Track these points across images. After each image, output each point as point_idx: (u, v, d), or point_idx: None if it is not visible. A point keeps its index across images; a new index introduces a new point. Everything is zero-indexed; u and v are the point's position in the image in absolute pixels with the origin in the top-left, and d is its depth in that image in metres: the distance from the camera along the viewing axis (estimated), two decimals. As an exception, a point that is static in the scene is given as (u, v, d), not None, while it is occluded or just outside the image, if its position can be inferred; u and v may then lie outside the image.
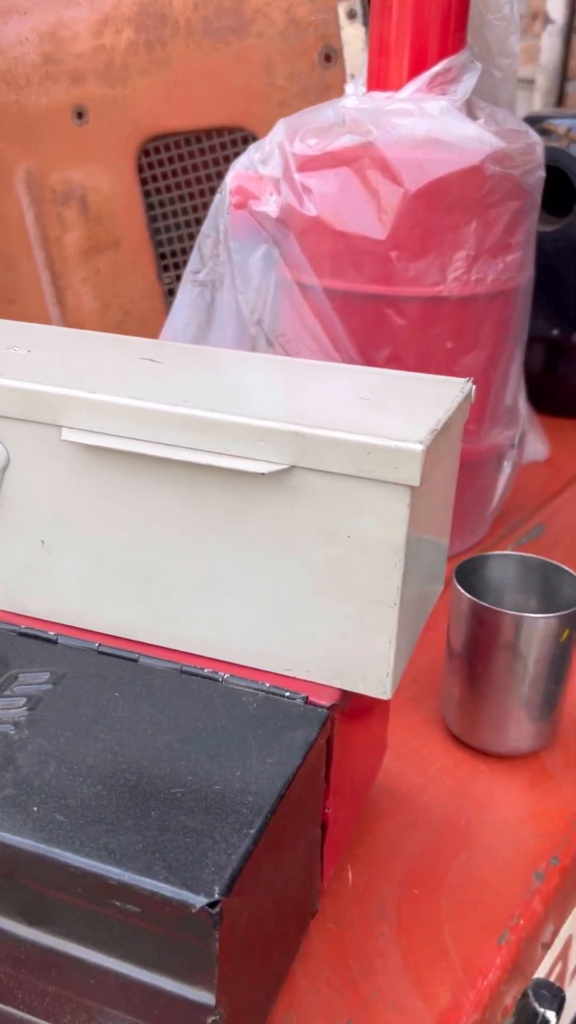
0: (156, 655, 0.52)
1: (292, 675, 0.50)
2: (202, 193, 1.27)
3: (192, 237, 1.08)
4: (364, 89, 0.83)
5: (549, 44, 2.49)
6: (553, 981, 0.62)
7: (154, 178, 1.28)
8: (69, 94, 1.28)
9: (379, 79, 0.81)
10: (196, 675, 0.50)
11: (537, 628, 0.63)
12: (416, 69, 0.79)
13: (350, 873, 0.58)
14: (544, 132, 1.16)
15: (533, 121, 1.18)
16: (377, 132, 0.75)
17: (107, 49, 1.23)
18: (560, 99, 2.48)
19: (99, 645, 0.52)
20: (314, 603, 0.48)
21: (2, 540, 0.54)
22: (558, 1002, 0.58)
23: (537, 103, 2.52)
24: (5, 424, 0.51)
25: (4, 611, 0.55)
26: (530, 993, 0.58)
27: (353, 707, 0.52)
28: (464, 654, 0.67)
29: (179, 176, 1.28)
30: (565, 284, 1.16)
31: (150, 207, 1.30)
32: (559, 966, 0.71)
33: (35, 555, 0.53)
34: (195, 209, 1.29)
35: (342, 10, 1.12)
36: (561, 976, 0.73)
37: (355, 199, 0.76)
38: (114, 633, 0.53)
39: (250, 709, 0.48)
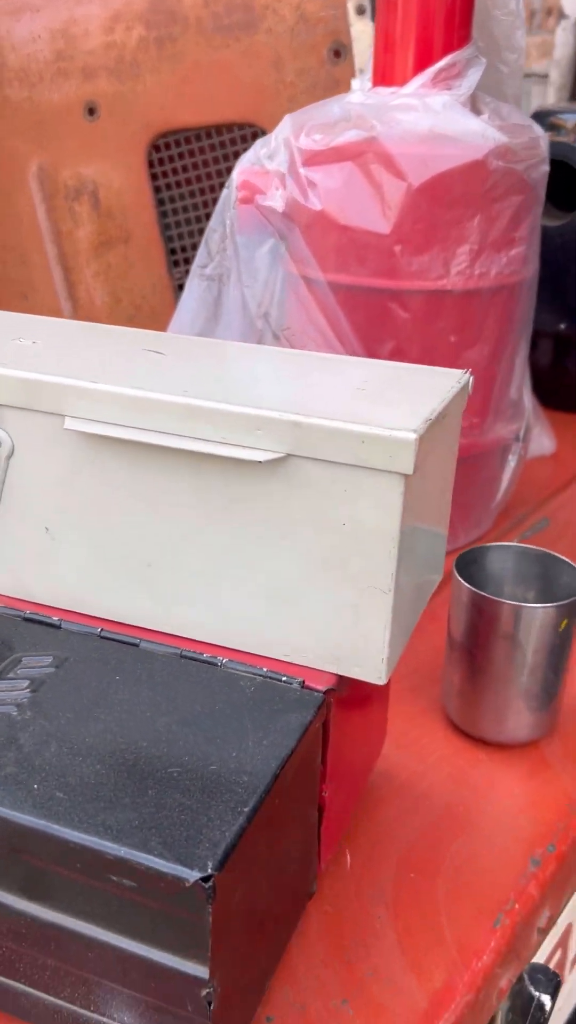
0: (157, 640, 0.53)
1: (289, 660, 0.51)
2: (212, 188, 1.28)
3: (202, 232, 1.09)
4: (370, 84, 0.84)
5: (563, 39, 2.48)
6: (552, 968, 0.63)
7: (164, 174, 1.29)
8: (81, 90, 1.29)
9: (385, 74, 0.82)
10: (195, 660, 0.51)
11: (536, 618, 0.64)
12: (421, 64, 0.79)
13: (348, 857, 0.59)
14: (553, 127, 1.16)
15: (542, 116, 1.19)
16: (381, 127, 0.75)
17: (118, 46, 1.24)
18: (574, 93, 2.48)
19: (101, 630, 0.54)
20: (311, 589, 0.49)
21: (7, 527, 0.55)
22: (553, 986, 0.59)
23: (551, 97, 2.52)
24: (10, 413, 0.52)
25: (9, 597, 0.57)
26: (526, 977, 0.59)
27: (351, 693, 0.53)
28: (464, 644, 0.67)
29: (189, 171, 1.29)
30: (572, 279, 1.17)
31: (160, 202, 1.31)
32: (559, 954, 0.72)
33: (39, 542, 0.54)
34: (205, 204, 1.30)
35: (351, 6, 1.13)
36: (561, 964, 0.74)
37: (359, 193, 0.76)
38: (116, 619, 0.54)
39: (247, 693, 0.49)
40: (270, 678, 0.50)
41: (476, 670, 0.67)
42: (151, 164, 1.28)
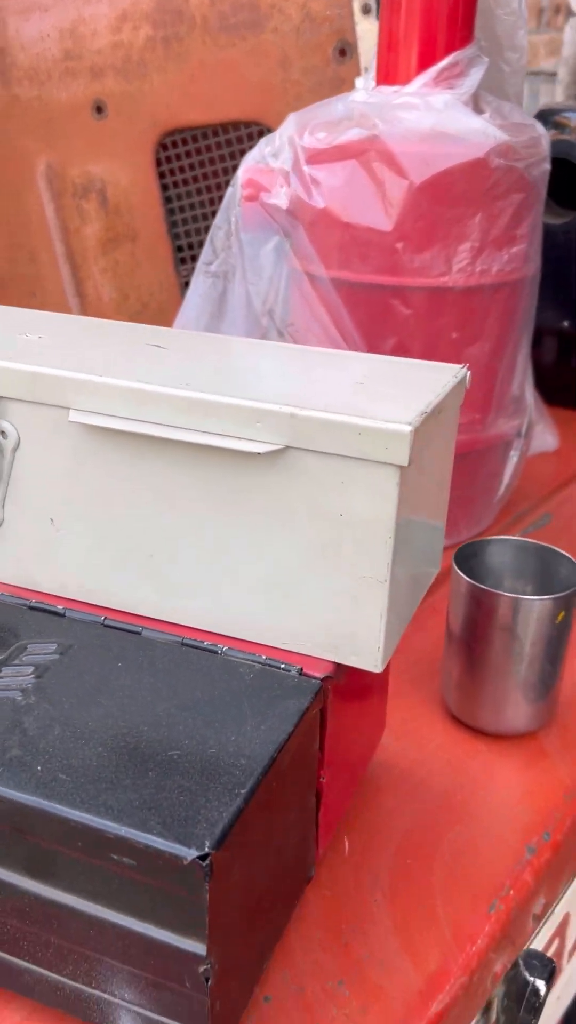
0: (158, 628, 0.54)
1: (288, 648, 0.52)
2: (219, 186, 1.29)
3: (209, 230, 1.10)
4: (374, 83, 0.85)
5: (571, 37, 2.48)
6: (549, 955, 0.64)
7: (171, 172, 1.30)
8: (89, 89, 1.30)
9: (388, 73, 0.83)
10: (196, 647, 0.52)
11: (533, 610, 0.65)
12: (424, 63, 0.80)
13: (347, 843, 0.60)
14: (557, 125, 1.17)
15: (547, 114, 1.19)
16: (383, 126, 0.76)
17: (125, 45, 1.25)
18: (581, 92, 2.47)
19: (104, 618, 0.55)
20: (309, 579, 0.50)
21: (13, 518, 0.56)
22: (548, 972, 0.60)
23: (559, 95, 2.52)
24: (15, 406, 0.53)
25: (15, 586, 0.58)
26: (521, 963, 0.60)
27: (349, 682, 0.54)
28: (463, 636, 0.68)
29: (196, 169, 1.30)
30: (575, 276, 1.17)
31: (167, 200, 1.32)
32: (556, 943, 0.73)
33: (44, 532, 0.56)
34: (212, 202, 1.31)
35: (357, 5, 1.14)
36: (559, 952, 0.75)
37: (362, 191, 0.77)
38: (119, 607, 0.55)
39: (246, 680, 0.50)
40: (269, 665, 0.51)
41: (475, 662, 0.68)
42: (158, 162, 1.29)
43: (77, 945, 0.45)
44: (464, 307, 0.81)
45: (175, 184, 1.31)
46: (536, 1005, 0.60)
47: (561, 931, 0.73)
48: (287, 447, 0.48)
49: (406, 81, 0.81)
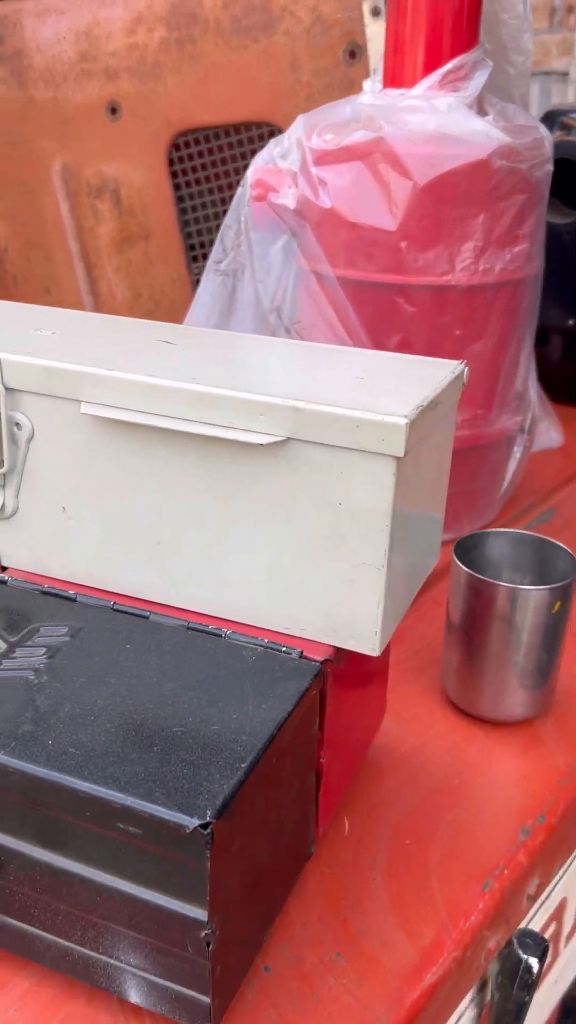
0: (165, 613, 0.56)
1: (289, 632, 0.54)
2: (230, 186, 1.31)
3: (220, 229, 1.12)
4: (380, 86, 0.87)
5: (584, 36, 2.48)
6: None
7: (184, 171, 1.32)
8: (103, 91, 1.32)
9: (394, 76, 0.85)
10: (201, 631, 0.55)
11: (530, 600, 0.66)
12: (429, 67, 0.82)
13: (347, 823, 0.62)
14: (564, 127, 1.18)
15: (554, 115, 1.21)
16: (389, 128, 0.78)
17: (140, 47, 1.27)
18: (594, 91, 2.48)
19: (114, 603, 0.57)
20: (309, 566, 0.52)
21: (27, 507, 0.59)
22: (541, 950, 0.62)
23: (571, 95, 2.53)
24: (30, 399, 0.55)
25: (28, 572, 0.60)
26: (515, 941, 0.62)
27: (349, 667, 0.56)
28: (462, 626, 0.70)
29: (208, 169, 1.32)
30: (581, 275, 1.19)
31: (180, 200, 1.34)
32: (553, 926, 0.75)
33: (57, 520, 0.58)
34: (223, 202, 1.33)
35: (366, 8, 1.15)
36: (556, 936, 0.76)
37: (367, 192, 0.79)
38: (127, 592, 0.58)
39: (249, 662, 0.52)
40: (271, 648, 0.53)
41: (474, 650, 0.70)
42: (171, 162, 1.32)
43: (85, 912, 0.47)
44: (467, 305, 0.83)
45: (187, 184, 1.33)
46: (529, 982, 0.61)
47: (558, 915, 0.75)
48: (289, 439, 0.50)
49: (412, 84, 0.83)
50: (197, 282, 1.37)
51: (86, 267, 1.46)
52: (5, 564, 0.61)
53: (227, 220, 0.94)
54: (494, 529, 0.74)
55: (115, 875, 0.45)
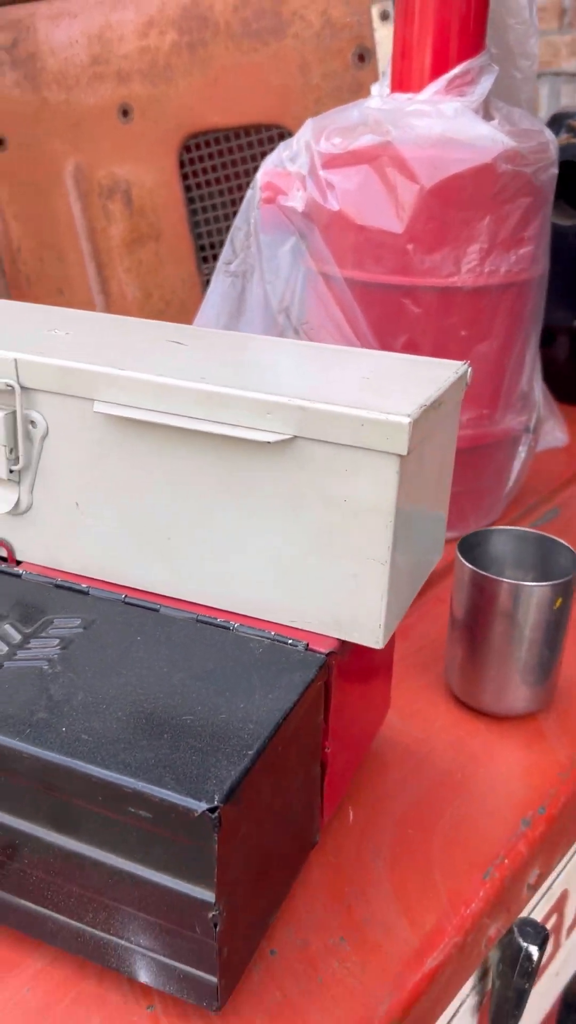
0: (175, 606, 0.58)
1: (295, 625, 0.55)
2: (240, 188, 1.33)
3: (230, 230, 1.14)
4: (388, 90, 0.88)
5: (594, 37, 2.49)
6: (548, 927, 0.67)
7: (195, 173, 1.34)
8: (115, 93, 1.34)
9: (402, 81, 0.86)
10: (210, 624, 0.56)
11: (532, 596, 0.68)
12: (436, 72, 0.83)
13: (351, 813, 0.64)
14: (571, 129, 1.19)
15: (561, 118, 1.22)
16: (396, 132, 0.80)
17: (151, 50, 1.29)
18: (604, 92, 2.48)
19: (125, 596, 0.59)
20: (315, 561, 0.54)
21: (41, 503, 0.60)
22: (541, 938, 0.63)
23: (581, 96, 2.53)
24: (44, 398, 0.57)
25: (43, 566, 0.62)
26: (515, 929, 0.63)
27: (354, 661, 0.58)
28: (466, 622, 0.72)
29: (218, 171, 1.34)
30: (587, 276, 1.20)
31: (190, 201, 1.36)
32: (554, 918, 0.76)
33: (70, 516, 0.59)
34: (233, 203, 1.34)
35: (375, 12, 1.17)
36: (557, 928, 0.78)
37: (374, 195, 0.81)
38: (139, 586, 0.59)
39: (256, 654, 0.53)
40: (277, 641, 0.55)
41: (477, 646, 0.71)
42: (182, 164, 1.33)
43: (97, 894, 0.49)
44: (473, 306, 0.84)
45: (198, 185, 1.35)
46: (529, 970, 0.63)
47: (559, 907, 0.76)
48: (296, 437, 0.51)
49: (419, 89, 0.84)
50: (207, 283, 1.39)
51: (97, 267, 1.47)
52: (20, 558, 0.63)
53: (237, 222, 0.96)
54: (496, 527, 0.75)
55: (126, 858, 0.47)
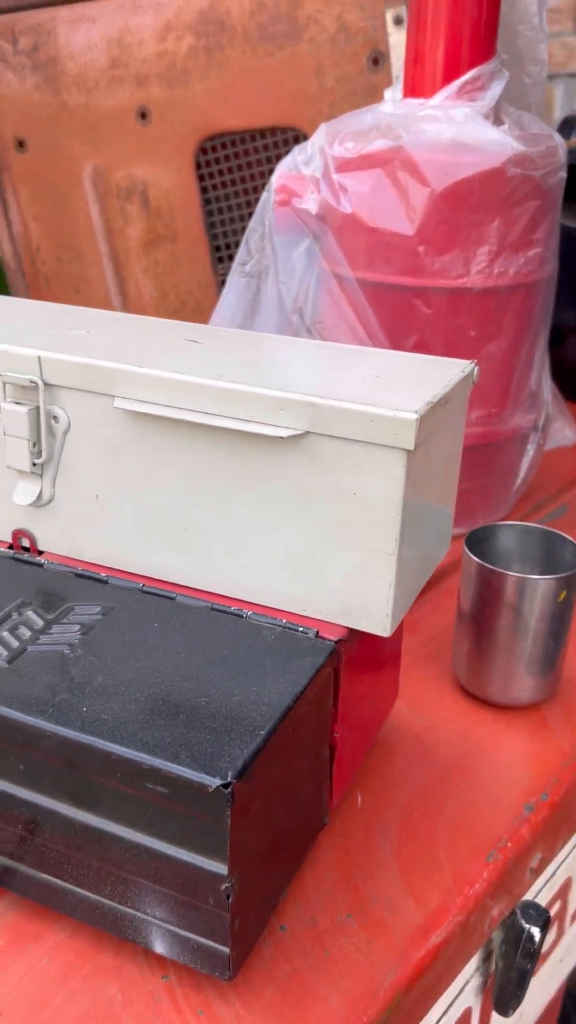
0: (191, 595, 0.60)
1: (306, 614, 0.58)
2: (255, 189, 1.35)
3: (245, 231, 1.16)
4: (401, 96, 0.90)
5: (609, 38, 2.49)
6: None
7: (211, 175, 1.36)
8: (134, 96, 1.37)
9: (414, 87, 0.88)
10: (224, 612, 0.58)
11: (537, 589, 0.70)
12: (448, 78, 0.85)
13: (359, 797, 0.66)
14: (582, 131, 1.21)
15: (572, 121, 1.24)
16: (407, 136, 0.82)
17: (169, 54, 1.31)
18: (618, 94, 2.49)
19: (143, 585, 0.61)
20: (325, 552, 0.56)
21: (63, 495, 0.63)
22: (543, 920, 0.65)
23: (596, 97, 2.54)
24: (67, 394, 0.59)
25: (64, 556, 0.64)
26: (518, 912, 0.65)
27: (362, 649, 0.60)
28: (473, 614, 0.74)
29: (234, 173, 1.36)
30: (597, 277, 1.21)
31: (206, 202, 1.38)
32: (558, 904, 0.78)
33: (91, 508, 0.62)
34: (249, 204, 1.37)
35: (390, 16, 1.19)
36: (561, 914, 0.80)
37: (386, 198, 0.83)
38: (156, 576, 0.61)
39: (268, 640, 0.56)
40: (288, 628, 0.57)
41: (483, 638, 0.73)
42: (198, 166, 1.36)
43: (115, 868, 0.51)
44: (482, 307, 0.86)
45: (214, 187, 1.37)
46: (531, 951, 0.65)
47: (563, 894, 0.78)
48: (307, 432, 0.53)
49: (431, 94, 0.86)
50: (222, 283, 1.41)
51: (115, 267, 1.50)
52: (42, 548, 0.65)
53: (252, 223, 0.98)
54: (503, 523, 0.77)
55: (143, 832, 0.49)
